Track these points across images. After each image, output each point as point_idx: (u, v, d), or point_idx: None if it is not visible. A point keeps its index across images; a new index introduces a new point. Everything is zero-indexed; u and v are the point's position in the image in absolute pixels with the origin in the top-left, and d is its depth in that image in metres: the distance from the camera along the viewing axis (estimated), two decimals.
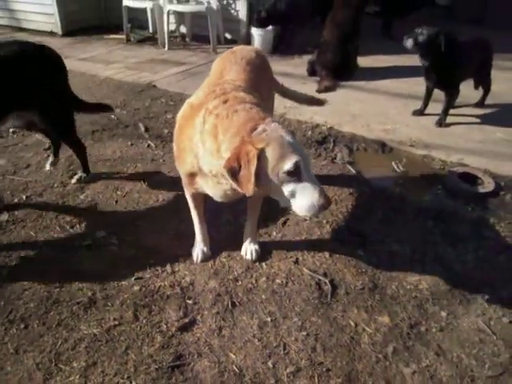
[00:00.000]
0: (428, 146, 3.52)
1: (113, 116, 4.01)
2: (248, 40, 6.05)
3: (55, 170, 3.16)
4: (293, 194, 1.62)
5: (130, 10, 6.39)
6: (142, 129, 3.76)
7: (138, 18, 6.86)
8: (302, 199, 1.61)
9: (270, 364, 1.79)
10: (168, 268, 2.27)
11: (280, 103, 3.06)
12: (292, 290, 2.15)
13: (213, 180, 1.85)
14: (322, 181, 2.95)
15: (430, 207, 2.80)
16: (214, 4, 5.90)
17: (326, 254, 2.37)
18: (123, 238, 2.49)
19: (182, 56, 5.93)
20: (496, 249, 2.47)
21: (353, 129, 3.74)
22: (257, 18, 5.71)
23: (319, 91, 4.56)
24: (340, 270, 2.28)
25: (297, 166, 1.57)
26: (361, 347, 1.88)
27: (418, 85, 4.08)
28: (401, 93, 4.57)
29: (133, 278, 2.20)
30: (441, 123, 3.86)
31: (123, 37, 6.69)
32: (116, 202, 2.82)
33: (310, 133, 3.67)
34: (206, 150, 1.74)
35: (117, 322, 1.96)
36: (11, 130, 3.87)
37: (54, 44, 6.51)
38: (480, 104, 4.27)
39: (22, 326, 1.95)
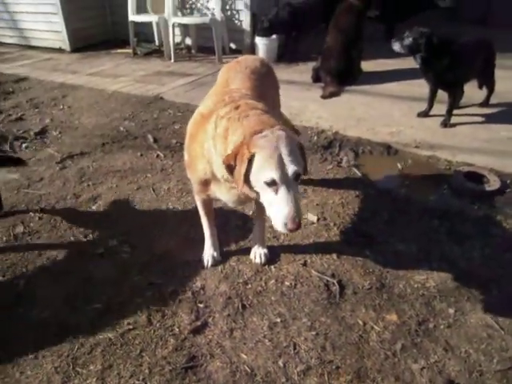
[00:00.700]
0: (433, 146, 3.55)
1: (122, 128, 4.11)
2: (253, 49, 6.14)
3: (67, 183, 3.25)
4: (270, 204, 1.66)
5: (135, 24, 6.53)
6: (151, 140, 3.84)
7: (143, 31, 7.01)
8: (275, 213, 1.64)
9: (280, 363, 1.84)
10: (179, 273, 2.33)
11: (285, 110, 3.11)
12: (301, 291, 2.19)
13: (226, 185, 1.91)
14: (329, 184, 3.06)
15: (436, 207, 2.83)
16: (218, 15, 6.01)
17: (334, 256, 2.42)
18: (135, 245, 2.56)
19: (188, 67, 6.04)
20: (502, 246, 2.49)
21: (358, 132, 3.79)
22: (260, 27, 5.81)
23: (324, 97, 4.63)
24: (348, 270, 2.32)
25: (272, 181, 1.61)
26: (369, 345, 1.91)
27: (422, 87, 4.12)
28: (405, 95, 4.61)
29: (146, 284, 2.26)
30: (445, 124, 3.89)
31: (130, 51, 6.83)
32: (127, 211, 2.89)
33: (315, 138, 3.72)
34: (217, 154, 1.79)
35: (131, 327, 2.02)
36: (24, 145, 3.99)
37: (63, 60, 6.72)
38: (485, 104, 4.29)
39: (40, 331, 2.02)
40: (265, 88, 2.28)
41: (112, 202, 2.99)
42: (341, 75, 4.83)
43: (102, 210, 2.92)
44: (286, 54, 6.08)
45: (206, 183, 2.01)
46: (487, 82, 4.21)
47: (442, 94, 3.96)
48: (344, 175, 3.21)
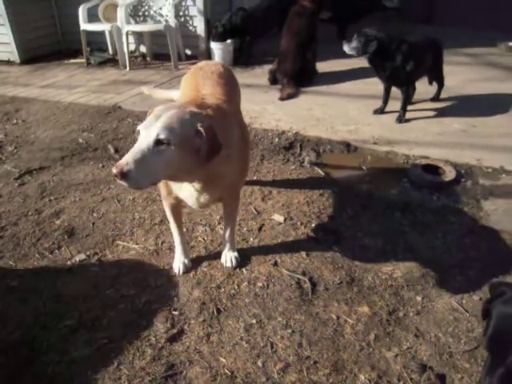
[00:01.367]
0: (390, 142, 3.67)
1: (81, 140, 4.03)
2: (208, 55, 6.16)
3: (28, 199, 3.16)
4: None
5: (88, 33, 6.40)
6: (112, 150, 3.79)
7: (96, 40, 6.87)
8: None
9: (259, 363, 1.86)
10: (151, 283, 2.31)
11: (245, 113, 3.15)
12: (274, 291, 2.23)
13: (186, 185, 1.93)
14: (293, 185, 3.12)
15: (398, 200, 2.94)
16: (172, 22, 5.98)
17: (303, 254, 2.46)
18: (104, 258, 2.52)
19: (144, 75, 5.98)
20: (461, 232, 2.62)
21: (318, 132, 3.87)
22: (214, 33, 5.83)
23: (282, 99, 4.70)
24: (318, 267, 2.37)
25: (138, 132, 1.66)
26: (344, 338, 1.97)
27: (376, 85, 4.25)
28: (360, 94, 4.74)
29: (118, 297, 2.23)
30: (401, 119, 4.04)
31: (83, 60, 6.68)
32: (93, 224, 2.84)
33: (276, 140, 3.77)
34: None
35: (106, 341, 1.99)
36: None
37: (13, 72, 6.51)
38: (435, 98, 4.48)
39: (11, 353, 1.96)
40: (232, 92, 2.32)
41: (76, 216, 2.93)
42: (297, 77, 4.92)
43: (66, 224, 2.85)
44: (242, 58, 6.12)
45: (167, 184, 2.03)
46: (437, 77, 4.40)
47: (395, 92, 4.10)
48: (307, 175, 3.27)
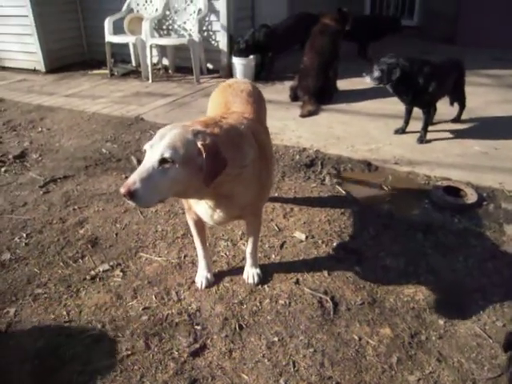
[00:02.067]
0: (411, 162, 3.68)
1: (104, 150, 4.11)
2: (229, 69, 6.24)
3: (53, 207, 3.22)
4: None
5: (112, 45, 6.54)
6: (135, 162, 3.84)
7: (120, 52, 7.02)
8: None
9: (281, 382, 1.86)
10: (174, 296, 2.34)
11: None
12: (295, 309, 2.24)
13: (203, 203, 1.96)
14: (314, 202, 3.14)
15: (419, 221, 2.93)
16: (196, 36, 6.09)
17: (325, 273, 2.47)
18: (126, 269, 2.56)
19: (166, 88, 6.07)
20: (483, 256, 2.60)
21: (338, 150, 3.89)
22: (237, 48, 5.92)
23: (302, 116, 4.74)
24: (339, 287, 2.38)
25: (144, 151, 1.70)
26: (366, 359, 1.97)
27: (396, 104, 4.27)
28: (380, 113, 4.76)
29: (140, 308, 2.26)
30: (422, 140, 4.04)
31: (107, 71, 6.82)
32: (116, 234, 2.88)
33: (297, 157, 3.80)
34: None
35: (129, 352, 2.02)
36: (3, 168, 3.94)
37: (38, 81, 6.66)
38: (457, 119, 4.48)
39: (36, 362, 1.99)
40: (260, 111, 2.35)
41: (99, 226, 2.98)
42: (318, 94, 4.96)
43: (90, 234, 2.90)
44: (263, 74, 6.20)
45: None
46: (458, 99, 4.40)
47: (416, 111, 4.12)
48: (328, 193, 3.29)
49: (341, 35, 5.21)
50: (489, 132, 4.22)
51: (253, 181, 1.98)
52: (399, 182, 3.43)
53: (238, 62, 5.99)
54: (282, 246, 2.70)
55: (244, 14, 6.50)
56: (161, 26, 6.63)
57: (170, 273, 2.51)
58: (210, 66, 6.61)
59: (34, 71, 7.19)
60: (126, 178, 3.54)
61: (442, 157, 3.79)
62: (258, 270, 2.42)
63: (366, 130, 4.37)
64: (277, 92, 5.59)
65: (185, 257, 2.63)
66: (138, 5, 6.71)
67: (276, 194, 3.23)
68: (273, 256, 2.63)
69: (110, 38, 6.42)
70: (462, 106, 4.44)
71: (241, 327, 2.13)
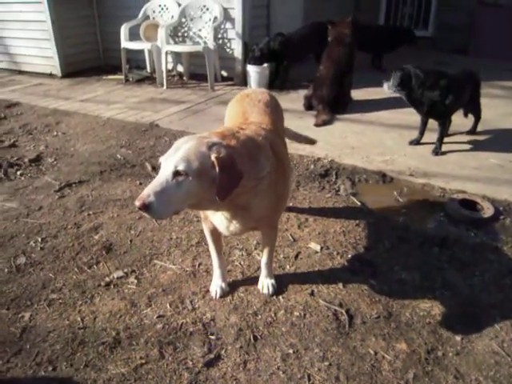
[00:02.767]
0: (427, 174, 3.65)
1: (119, 156, 4.13)
2: (244, 77, 6.27)
3: (68, 212, 3.24)
4: None
5: (127, 51, 6.60)
6: (149, 168, 3.86)
7: (135, 58, 7.09)
8: None
9: None
10: (188, 305, 2.33)
11: None
12: (310, 321, 2.22)
13: (218, 213, 1.97)
14: (329, 213, 3.13)
15: (435, 234, 2.90)
16: (211, 44, 6.12)
17: (340, 285, 2.45)
18: (141, 276, 2.56)
19: (180, 94, 6.11)
20: (501, 272, 2.57)
21: (353, 161, 3.88)
22: (251, 56, 5.94)
23: (317, 125, 4.74)
24: (354, 299, 2.36)
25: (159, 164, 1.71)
26: (382, 374, 1.94)
27: (411, 115, 4.26)
28: (395, 123, 4.75)
29: (155, 316, 2.26)
30: (437, 152, 4.02)
31: (122, 77, 6.88)
32: (130, 241, 2.89)
33: (312, 166, 3.79)
34: None
35: (143, 361, 2.01)
36: (19, 172, 3.97)
37: (54, 86, 6.74)
38: (472, 131, 4.46)
39: (50, 368, 1.99)
40: (278, 122, 2.35)
41: (114, 232, 2.99)
42: (333, 103, 4.96)
43: (104, 239, 2.91)
44: (277, 82, 6.21)
45: None
46: (474, 110, 4.38)
47: (431, 123, 4.10)
48: (343, 203, 3.27)
49: (356, 45, 5.22)
50: (504, 144, 4.19)
51: (269, 192, 1.96)
52: (414, 194, 3.41)
53: (252, 70, 6.01)
54: (296, 257, 2.69)
55: (259, 22, 6.53)
56: (176, 33, 6.68)
57: (184, 281, 2.51)
58: (224, 73, 6.64)
59: (50, 75, 7.28)
60: (141, 184, 3.58)
61: (458, 169, 3.76)
62: (272, 281, 2.41)
63: (381, 141, 4.35)
64: (291, 101, 5.59)
65: (199, 265, 2.63)
66: (154, 12, 6.78)
67: (291, 204, 3.22)
68: (287, 267, 2.62)
69: (125, 44, 6.49)
70: (478, 118, 4.42)
71: (255, 338, 2.12)
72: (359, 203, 3.27)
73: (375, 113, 5.12)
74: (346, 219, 3.06)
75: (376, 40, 6.75)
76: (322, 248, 2.76)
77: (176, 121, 5.01)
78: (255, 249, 2.76)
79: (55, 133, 4.84)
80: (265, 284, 2.40)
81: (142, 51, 6.91)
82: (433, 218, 3.11)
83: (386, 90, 3.94)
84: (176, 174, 1.62)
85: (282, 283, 2.46)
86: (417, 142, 4.22)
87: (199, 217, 3.02)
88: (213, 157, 1.66)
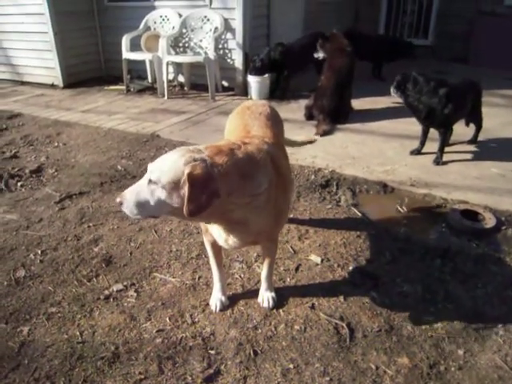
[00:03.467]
0: (428, 184, 3.64)
1: (119, 167, 4.13)
2: (245, 87, 6.29)
3: (68, 224, 3.23)
4: None
5: (129, 61, 6.64)
6: None
7: (136, 68, 7.13)
8: None
9: None
10: (188, 319, 2.31)
11: None
12: (311, 335, 2.20)
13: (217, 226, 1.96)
14: (329, 224, 3.11)
15: (436, 246, 2.88)
16: (212, 54, 6.15)
17: (341, 298, 2.43)
18: (140, 289, 2.54)
19: (181, 105, 6.13)
20: (504, 283, 2.54)
21: (354, 171, 3.87)
22: (252, 66, 5.97)
23: (317, 135, 4.73)
24: (356, 313, 2.34)
25: None
26: None
27: (412, 124, 4.26)
28: (396, 133, 4.75)
29: (154, 331, 2.24)
30: (438, 161, 4.01)
31: (123, 87, 6.91)
32: (130, 253, 2.88)
33: (313, 177, 3.78)
34: None
35: (142, 376, 1.99)
36: (20, 183, 3.98)
37: (56, 96, 6.77)
38: (473, 141, 4.45)
39: None
40: (279, 135, 2.35)
41: (114, 244, 2.98)
42: (333, 113, 4.96)
43: (104, 252, 2.90)
44: (278, 92, 6.23)
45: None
46: (475, 120, 4.38)
47: (432, 132, 4.09)
48: (344, 215, 3.26)
49: (355, 55, 5.24)
50: (506, 154, 4.18)
51: (267, 208, 1.92)
52: (415, 204, 3.39)
53: (253, 80, 6.03)
54: (297, 269, 2.67)
55: (260, 32, 6.57)
56: (177, 43, 6.71)
57: (184, 294, 2.49)
58: (225, 83, 6.66)
59: (52, 86, 7.32)
60: None
61: (459, 179, 3.75)
62: (273, 294, 2.39)
63: (382, 151, 4.34)
64: (292, 111, 5.60)
65: (199, 278, 2.61)
66: (155, 23, 6.82)
67: (291, 215, 3.21)
68: (288, 279, 2.60)
69: (127, 54, 6.52)
70: (479, 127, 4.41)
71: (255, 353, 2.10)
72: (360, 214, 3.25)
73: (376, 122, 5.12)
74: (346, 230, 3.04)
75: (376, 50, 6.77)
76: (322, 260, 2.74)
77: (177, 131, 5.01)
78: (255, 261, 2.74)
79: (56, 144, 4.85)
80: (265, 297, 2.38)
81: (143, 62, 6.94)
82: (434, 228, 3.09)
83: (392, 93, 4.02)
84: (150, 181, 1.69)
85: (283, 296, 2.44)
86: (418, 152, 4.21)
87: (199, 229, 3.01)
88: (185, 173, 1.64)
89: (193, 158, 1.68)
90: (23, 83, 7.67)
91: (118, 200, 1.76)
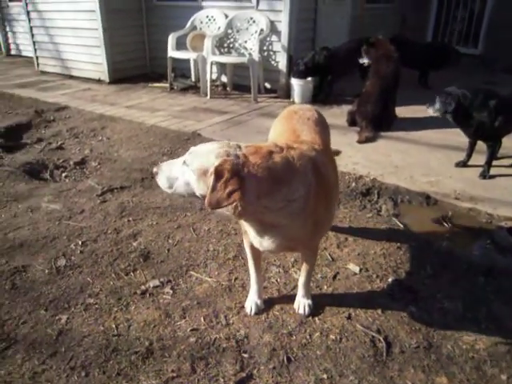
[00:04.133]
0: (473, 198, 3.51)
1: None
2: (287, 90, 6.27)
3: (108, 217, 3.29)
4: None
5: (174, 59, 6.73)
6: None
7: (180, 67, 7.22)
8: None
9: None
10: (222, 320, 2.31)
11: None
12: (346, 346, 2.15)
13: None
14: (369, 234, 3.05)
15: (480, 262, 2.77)
16: (256, 56, 6.16)
17: (379, 310, 2.37)
18: (177, 287, 2.56)
19: (223, 105, 6.16)
20: None
21: (396, 180, 3.78)
22: (296, 69, 5.94)
23: (360, 142, 4.66)
24: (393, 326, 2.27)
25: None
26: None
27: (458, 135, 4.12)
28: (442, 144, 4.61)
29: (188, 329, 2.24)
30: (485, 175, 3.86)
31: (167, 85, 7.02)
32: (168, 250, 2.90)
33: (353, 184, 3.72)
34: None
35: (175, 374, 2.00)
36: (64, 174, 4.09)
37: (101, 91, 6.94)
38: None
39: (83, 373, 2.00)
40: (327, 141, 2.32)
41: (152, 240, 3.01)
42: (376, 120, 4.87)
43: (142, 247, 2.94)
44: (320, 96, 6.18)
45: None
46: None
47: (479, 144, 3.95)
48: (384, 225, 3.18)
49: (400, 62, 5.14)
50: None
51: (302, 216, 1.86)
52: (459, 218, 3.28)
53: (296, 83, 6.00)
54: (334, 278, 2.63)
55: (305, 35, 6.54)
56: (222, 43, 6.76)
57: (219, 295, 2.49)
58: (267, 85, 6.66)
59: (99, 81, 7.52)
60: None
61: (507, 194, 3.60)
62: (309, 301, 2.35)
63: (426, 161, 4.23)
64: (334, 116, 5.53)
65: (235, 279, 2.61)
66: (201, 23, 6.89)
67: None
68: (325, 287, 2.56)
69: (172, 53, 6.62)
70: None
71: (289, 360, 2.07)
72: (401, 225, 3.17)
73: (420, 131, 4.99)
74: (386, 241, 2.97)
75: (422, 57, 6.61)
76: (361, 270, 2.69)
77: (218, 131, 5.04)
78: (292, 266, 2.71)
79: (100, 137, 4.96)
80: (301, 304, 2.34)
81: (187, 60, 7.03)
82: (478, 244, 2.97)
83: (431, 113, 3.91)
84: (184, 162, 1.77)
85: (319, 304, 2.40)
86: (463, 164, 4.08)
87: (237, 230, 3.01)
88: (213, 165, 1.66)
89: (227, 153, 1.69)
90: (71, 77, 7.91)
91: (154, 170, 1.87)
